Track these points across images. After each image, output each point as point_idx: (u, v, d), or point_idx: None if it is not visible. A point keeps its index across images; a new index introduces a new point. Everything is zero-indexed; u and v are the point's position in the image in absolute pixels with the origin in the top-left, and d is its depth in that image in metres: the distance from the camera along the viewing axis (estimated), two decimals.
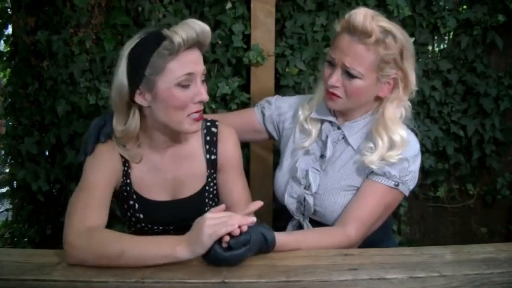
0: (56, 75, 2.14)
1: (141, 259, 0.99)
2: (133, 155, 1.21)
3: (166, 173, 1.25)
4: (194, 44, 1.10)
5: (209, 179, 1.29)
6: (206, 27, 1.11)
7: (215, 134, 1.29)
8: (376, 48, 1.18)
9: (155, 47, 1.08)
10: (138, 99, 1.12)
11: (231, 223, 0.98)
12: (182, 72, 1.10)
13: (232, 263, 1.00)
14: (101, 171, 1.16)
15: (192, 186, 1.27)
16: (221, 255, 0.98)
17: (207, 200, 1.29)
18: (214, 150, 1.28)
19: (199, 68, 1.13)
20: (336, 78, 1.22)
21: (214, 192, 1.31)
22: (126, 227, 1.36)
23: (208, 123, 1.30)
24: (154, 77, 1.09)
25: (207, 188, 1.29)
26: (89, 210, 1.09)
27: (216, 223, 0.98)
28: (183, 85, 1.11)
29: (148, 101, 1.13)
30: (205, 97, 1.14)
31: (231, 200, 1.28)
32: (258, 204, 1.08)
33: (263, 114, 1.48)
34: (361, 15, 1.17)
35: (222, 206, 1.07)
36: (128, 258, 0.99)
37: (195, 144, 1.27)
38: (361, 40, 1.18)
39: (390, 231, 1.50)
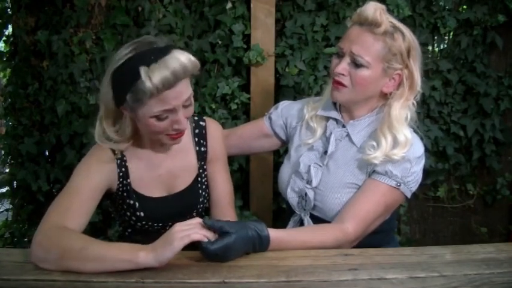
0: (56, 75, 2.15)
1: (101, 258, 0.96)
2: (123, 147, 1.20)
3: (161, 168, 1.27)
4: (174, 82, 1.06)
5: (200, 170, 1.32)
6: (188, 62, 1.07)
7: (203, 127, 1.33)
8: (384, 38, 1.21)
9: (131, 84, 1.05)
10: (123, 110, 1.14)
11: (203, 232, 0.99)
12: (160, 109, 1.08)
13: (222, 255, 1.00)
14: (87, 177, 1.14)
15: (185, 179, 1.30)
16: (207, 249, 0.99)
17: (200, 191, 1.32)
18: (204, 143, 1.32)
19: (181, 100, 1.09)
20: (343, 66, 1.24)
21: (206, 183, 1.34)
22: (122, 229, 1.36)
23: (196, 118, 1.34)
24: (134, 104, 1.09)
25: (199, 179, 1.32)
26: (66, 215, 1.07)
27: (187, 228, 0.98)
28: (160, 118, 1.10)
29: (131, 115, 1.14)
30: (183, 126, 1.13)
31: (216, 192, 1.35)
32: None
33: (270, 119, 1.52)
34: (372, 8, 1.21)
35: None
36: (89, 255, 0.96)
37: (185, 138, 1.29)
38: (370, 30, 1.21)
39: (393, 235, 1.50)
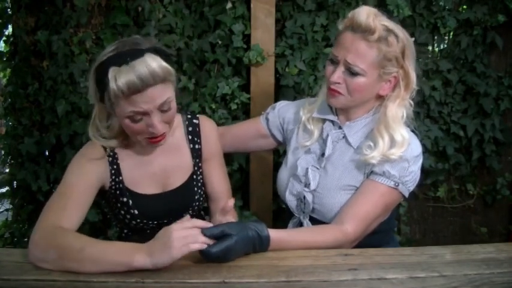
0: (56, 75, 2.15)
1: (99, 260, 0.96)
2: (113, 144, 1.21)
3: (154, 166, 1.26)
4: (142, 87, 1.04)
5: (195, 168, 1.32)
6: (158, 68, 1.04)
7: (197, 125, 1.32)
8: (378, 45, 1.19)
9: (106, 83, 1.05)
10: (107, 107, 1.13)
11: (202, 240, 0.97)
12: (130, 109, 1.07)
13: (223, 257, 1.00)
14: (81, 175, 1.15)
15: (179, 177, 1.29)
16: (209, 253, 0.98)
17: (196, 189, 1.32)
18: (198, 140, 1.32)
19: (154, 104, 1.07)
20: (338, 75, 1.23)
21: (202, 181, 1.34)
22: (119, 230, 1.36)
23: (189, 116, 1.34)
24: (110, 102, 1.09)
25: (194, 177, 1.31)
26: (61, 213, 1.07)
27: (186, 235, 0.96)
28: (134, 119, 1.09)
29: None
30: (158, 130, 1.10)
31: (213, 190, 1.36)
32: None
33: (267, 120, 1.51)
34: (365, 13, 1.19)
35: (187, 217, 1.03)
36: (87, 256, 0.96)
37: (179, 136, 1.29)
38: (364, 37, 1.19)
39: (393, 234, 1.50)
